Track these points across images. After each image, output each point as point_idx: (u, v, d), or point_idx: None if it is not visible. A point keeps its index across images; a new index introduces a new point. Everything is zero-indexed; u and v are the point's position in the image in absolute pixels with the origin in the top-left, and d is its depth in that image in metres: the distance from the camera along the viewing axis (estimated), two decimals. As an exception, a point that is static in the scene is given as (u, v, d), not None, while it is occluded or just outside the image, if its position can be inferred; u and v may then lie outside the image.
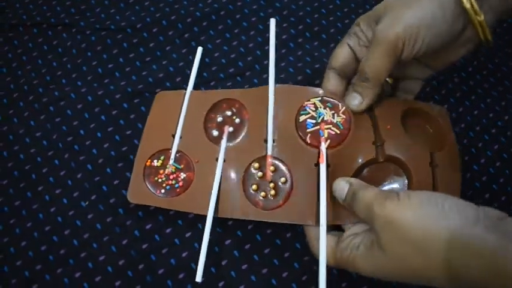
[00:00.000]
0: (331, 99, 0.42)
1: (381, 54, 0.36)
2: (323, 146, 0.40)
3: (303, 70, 0.50)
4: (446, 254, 0.28)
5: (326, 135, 0.41)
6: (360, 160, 0.40)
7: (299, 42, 0.51)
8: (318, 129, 0.41)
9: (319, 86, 0.47)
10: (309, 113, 0.41)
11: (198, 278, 0.37)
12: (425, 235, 0.29)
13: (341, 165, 0.40)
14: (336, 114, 0.41)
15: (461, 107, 0.49)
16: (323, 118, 0.41)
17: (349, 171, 0.40)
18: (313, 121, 0.41)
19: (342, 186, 0.37)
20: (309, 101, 0.42)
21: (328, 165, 0.40)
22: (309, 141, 0.41)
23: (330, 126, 0.41)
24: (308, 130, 0.41)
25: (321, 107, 0.41)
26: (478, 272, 0.27)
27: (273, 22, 0.41)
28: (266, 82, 0.48)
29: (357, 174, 0.40)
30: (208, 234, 0.38)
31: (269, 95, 0.41)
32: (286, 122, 0.41)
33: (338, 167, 0.40)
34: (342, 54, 0.39)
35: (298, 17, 0.53)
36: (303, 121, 0.41)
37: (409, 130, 0.42)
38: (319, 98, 0.42)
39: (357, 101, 0.40)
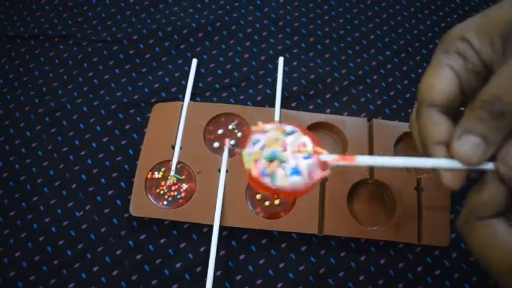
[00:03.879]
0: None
1: None
2: None
3: (298, 80, 0.50)
4: None
5: None
6: (354, 178, 0.43)
7: (294, 53, 0.52)
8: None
9: (313, 96, 0.49)
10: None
11: (209, 286, 0.37)
12: None
13: (338, 180, 0.43)
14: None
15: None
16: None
17: (345, 187, 0.42)
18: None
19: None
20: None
21: (326, 180, 0.43)
22: None
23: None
24: None
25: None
26: None
27: (281, 60, 0.46)
28: (261, 93, 0.49)
29: (352, 190, 0.43)
30: (216, 244, 0.39)
31: (275, 118, 0.45)
32: None
33: (335, 182, 0.43)
34: (445, 83, 0.25)
35: (294, 28, 0.53)
36: None
37: (404, 150, 0.45)
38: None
39: (477, 148, 0.23)
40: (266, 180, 0.23)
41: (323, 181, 0.43)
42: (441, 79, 0.25)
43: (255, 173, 0.23)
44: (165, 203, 0.42)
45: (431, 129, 0.25)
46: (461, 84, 0.25)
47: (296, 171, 0.23)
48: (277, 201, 0.42)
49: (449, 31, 0.26)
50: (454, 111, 0.26)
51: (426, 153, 0.26)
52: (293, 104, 0.48)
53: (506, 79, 0.22)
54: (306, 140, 0.24)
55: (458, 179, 0.24)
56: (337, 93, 0.49)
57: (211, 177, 0.42)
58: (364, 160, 0.24)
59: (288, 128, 0.24)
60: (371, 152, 0.44)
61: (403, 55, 0.53)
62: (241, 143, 0.45)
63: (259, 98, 0.49)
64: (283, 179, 0.23)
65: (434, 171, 0.41)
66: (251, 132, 0.24)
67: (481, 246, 0.23)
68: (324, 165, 0.24)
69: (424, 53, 0.53)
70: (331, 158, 0.24)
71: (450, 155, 0.24)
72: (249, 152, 0.24)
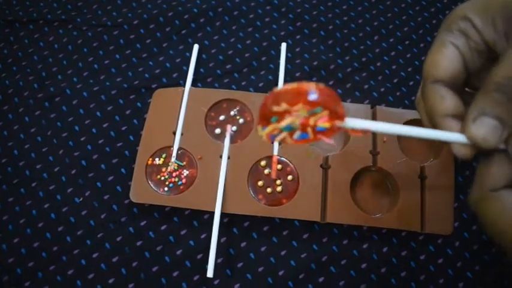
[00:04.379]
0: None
1: None
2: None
3: (301, 67, 0.49)
4: None
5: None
6: (357, 165, 0.42)
7: (297, 39, 0.51)
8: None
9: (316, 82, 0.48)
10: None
11: (210, 273, 0.37)
12: None
13: (340, 168, 0.42)
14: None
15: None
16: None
17: (348, 175, 0.42)
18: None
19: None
20: None
21: (328, 167, 0.42)
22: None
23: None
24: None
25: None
26: None
27: (283, 46, 0.46)
28: (263, 79, 0.48)
29: (355, 178, 0.42)
30: (217, 231, 0.38)
31: None
32: None
33: (338, 169, 0.42)
34: (449, 59, 0.25)
35: (296, 14, 0.53)
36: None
37: (408, 138, 0.44)
38: None
39: (494, 131, 0.23)
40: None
41: (326, 168, 0.42)
42: (445, 56, 0.26)
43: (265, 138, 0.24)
44: (165, 189, 0.41)
45: (438, 102, 0.25)
46: (464, 61, 0.26)
47: (303, 136, 0.24)
48: (279, 188, 0.41)
49: (452, 11, 0.26)
50: (458, 89, 0.26)
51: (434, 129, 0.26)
52: (296, 91, 0.48)
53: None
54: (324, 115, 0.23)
55: (470, 149, 0.24)
56: (341, 79, 0.49)
57: (213, 164, 0.42)
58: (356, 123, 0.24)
59: (313, 99, 0.23)
60: (374, 139, 0.44)
61: (407, 42, 0.52)
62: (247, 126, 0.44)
63: (261, 85, 0.48)
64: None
65: (438, 158, 0.41)
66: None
67: (493, 217, 0.23)
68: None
69: (428, 41, 0.52)
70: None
71: (459, 128, 0.24)
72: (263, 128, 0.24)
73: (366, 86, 0.49)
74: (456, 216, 0.43)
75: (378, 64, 0.50)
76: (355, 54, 0.51)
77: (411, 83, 0.49)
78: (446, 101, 0.25)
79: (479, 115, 0.23)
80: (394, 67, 0.50)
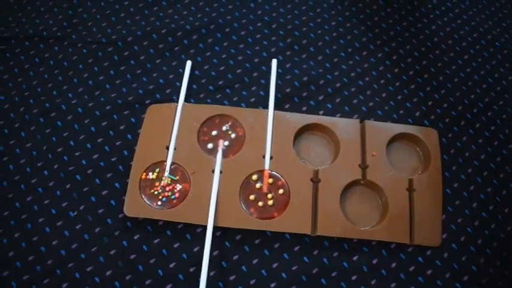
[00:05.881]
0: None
1: None
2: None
3: (292, 82, 0.50)
4: None
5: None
6: (347, 179, 0.43)
7: (287, 55, 0.52)
8: None
9: (306, 98, 0.49)
10: None
11: (202, 287, 0.37)
12: None
13: (330, 181, 0.43)
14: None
15: (451, 132, 0.49)
16: None
17: (337, 188, 0.43)
18: None
19: None
20: None
21: (318, 181, 0.43)
22: None
23: None
24: None
25: None
26: None
27: (274, 62, 0.47)
28: (255, 94, 0.49)
29: (345, 191, 0.44)
30: (210, 245, 0.39)
31: (268, 120, 0.45)
32: (283, 142, 0.45)
33: (328, 183, 0.43)
34: None
35: (287, 30, 0.54)
36: None
37: (397, 152, 0.46)
38: None
39: None
40: None
41: (316, 182, 0.43)
42: None
43: None
44: (159, 203, 0.42)
45: None
46: None
47: None
48: (270, 202, 0.42)
49: None
50: None
51: None
52: (286, 106, 0.49)
53: None
54: None
55: None
56: (330, 94, 0.50)
57: (205, 178, 0.42)
58: None
59: None
60: (364, 153, 0.45)
61: (394, 57, 0.53)
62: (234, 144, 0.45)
63: (252, 100, 0.49)
64: None
65: (426, 171, 0.42)
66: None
67: None
68: None
69: (415, 55, 0.54)
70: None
71: None
72: None
73: (355, 101, 0.50)
74: (444, 228, 0.44)
75: (367, 79, 0.52)
76: (344, 70, 0.52)
77: (399, 97, 0.51)
78: None
79: None
80: (382, 82, 0.51)
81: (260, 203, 0.42)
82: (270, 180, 0.43)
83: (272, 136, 0.45)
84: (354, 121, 0.46)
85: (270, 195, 0.42)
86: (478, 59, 0.54)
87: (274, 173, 0.43)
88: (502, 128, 0.50)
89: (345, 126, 0.46)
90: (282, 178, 0.43)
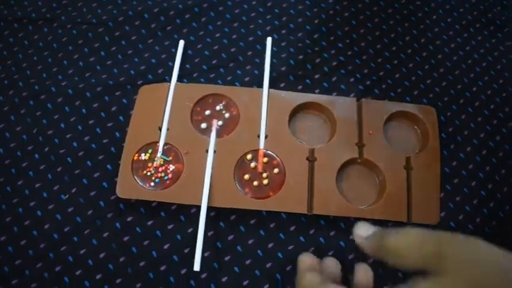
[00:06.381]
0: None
1: None
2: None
3: (287, 61, 0.49)
4: None
5: None
6: (343, 158, 0.43)
7: (282, 33, 0.51)
8: None
9: (302, 77, 0.48)
10: None
11: (197, 266, 0.37)
12: None
13: (327, 160, 0.42)
14: None
15: (449, 111, 0.49)
16: None
17: (334, 167, 0.42)
18: None
19: (367, 226, 0.32)
20: None
21: (314, 159, 0.42)
22: None
23: None
24: None
25: None
26: None
27: (269, 41, 0.46)
28: (249, 73, 0.48)
29: (341, 170, 0.43)
30: (204, 224, 0.38)
31: (263, 98, 0.44)
32: (278, 121, 0.44)
33: (324, 162, 0.42)
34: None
35: (282, 9, 0.53)
36: None
37: (394, 130, 0.45)
38: None
39: None
40: None
41: (312, 161, 0.42)
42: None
43: None
44: (152, 184, 0.41)
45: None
46: None
47: None
48: (265, 181, 0.41)
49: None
50: None
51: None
52: (281, 85, 0.48)
53: None
54: None
55: None
56: (326, 73, 0.49)
57: (199, 158, 0.42)
58: None
59: None
60: (360, 132, 0.44)
61: (392, 35, 0.52)
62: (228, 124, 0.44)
63: (247, 79, 0.48)
64: None
65: (424, 149, 0.41)
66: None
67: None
68: None
69: (414, 33, 0.52)
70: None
71: None
72: None
73: (352, 79, 0.49)
74: (443, 207, 0.43)
75: (364, 57, 0.50)
76: (341, 48, 0.51)
77: (397, 75, 0.50)
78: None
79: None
80: (379, 60, 0.50)
81: (255, 183, 0.41)
82: (265, 160, 0.42)
83: (267, 115, 0.44)
84: (351, 99, 0.45)
85: (265, 175, 0.42)
86: (477, 37, 0.53)
87: (269, 152, 0.43)
88: (502, 107, 0.49)
89: (341, 105, 0.45)
90: (277, 157, 0.42)
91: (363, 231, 0.32)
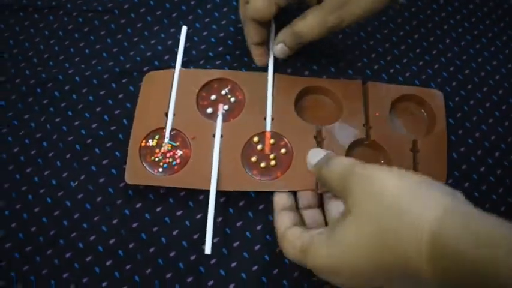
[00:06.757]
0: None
1: None
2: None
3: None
4: (435, 225, 0.25)
5: None
6: (351, 138, 0.42)
7: (289, 18, 0.51)
8: None
9: (309, 62, 0.48)
10: None
11: (208, 250, 0.37)
12: (414, 204, 0.26)
13: (335, 140, 0.42)
14: None
15: (457, 96, 0.48)
16: None
17: (342, 146, 0.42)
18: None
19: (318, 152, 0.37)
20: None
21: (322, 139, 0.42)
22: None
23: None
24: None
25: None
26: (472, 251, 0.23)
27: (273, 27, 0.46)
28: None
29: (348, 151, 0.42)
30: (213, 207, 0.38)
31: (268, 81, 0.44)
32: (284, 103, 0.44)
33: (332, 141, 0.42)
34: (268, 7, 0.40)
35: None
36: None
37: (401, 113, 0.45)
38: None
39: (283, 50, 0.43)
40: None
41: (320, 141, 0.42)
42: (264, 4, 0.39)
43: None
44: (160, 170, 0.41)
45: (254, 35, 0.43)
46: (278, 6, 0.39)
47: None
48: (273, 162, 0.41)
49: None
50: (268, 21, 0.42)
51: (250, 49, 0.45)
52: (288, 70, 0.48)
53: (308, 24, 0.39)
54: None
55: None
56: (333, 58, 0.49)
57: (206, 143, 0.42)
58: None
59: None
60: (367, 114, 0.43)
61: (399, 20, 0.52)
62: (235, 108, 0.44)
63: (254, 66, 0.48)
64: None
65: (431, 133, 0.41)
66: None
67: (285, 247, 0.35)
68: None
69: (420, 18, 0.52)
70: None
71: (265, 51, 0.45)
72: None
73: (359, 64, 0.49)
74: (451, 192, 0.43)
75: (371, 43, 0.50)
76: (348, 33, 0.50)
77: (404, 60, 0.49)
78: (259, 34, 0.42)
79: (278, 42, 0.42)
80: (387, 45, 0.50)
81: (262, 164, 0.41)
82: (272, 141, 0.42)
83: (273, 98, 0.44)
84: (357, 82, 0.45)
85: (272, 156, 0.42)
86: (486, 21, 0.53)
87: (276, 133, 0.42)
88: (511, 92, 0.49)
89: (347, 87, 0.45)
90: (284, 138, 0.42)
91: (312, 158, 0.37)
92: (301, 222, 0.38)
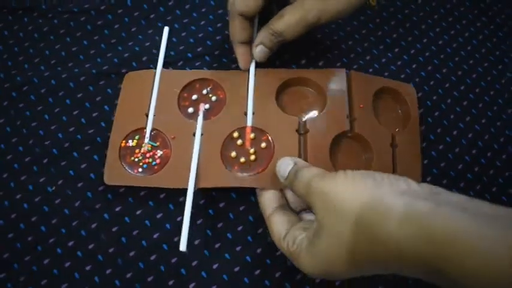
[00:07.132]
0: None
1: None
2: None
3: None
4: (358, 213, 0.28)
5: None
6: (335, 130, 0.42)
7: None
8: None
9: (290, 56, 0.48)
10: None
11: (183, 246, 0.36)
12: (344, 199, 0.29)
13: (318, 132, 0.42)
14: None
15: (435, 95, 0.49)
16: None
17: (326, 139, 0.41)
18: None
19: (286, 164, 0.36)
20: None
21: (306, 131, 0.41)
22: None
23: None
24: None
25: None
26: (388, 235, 0.26)
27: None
28: (236, 61, 0.48)
29: (333, 144, 0.42)
30: (191, 201, 0.38)
31: (250, 73, 0.44)
32: (265, 97, 0.43)
33: (316, 135, 0.41)
34: (254, 2, 0.40)
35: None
36: None
37: (379, 107, 0.45)
38: None
39: (263, 52, 0.43)
40: None
41: (303, 134, 0.42)
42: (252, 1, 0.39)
43: None
44: (140, 170, 0.41)
45: (239, 31, 0.42)
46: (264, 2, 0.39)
47: None
48: (252, 157, 0.41)
49: None
50: (253, 18, 0.42)
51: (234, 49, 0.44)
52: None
53: (287, 22, 0.39)
54: None
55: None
56: (313, 58, 0.49)
57: (186, 142, 0.41)
58: None
59: None
60: (351, 105, 0.43)
61: (377, 20, 0.52)
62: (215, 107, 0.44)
63: (233, 66, 0.48)
64: None
65: (406, 127, 0.41)
66: None
67: (272, 228, 0.36)
68: None
69: (398, 18, 0.53)
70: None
71: (248, 51, 0.43)
72: None
73: (336, 52, 0.49)
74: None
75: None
76: (326, 33, 0.51)
77: (383, 60, 0.50)
78: (244, 31, 0.42)
79: (259, 44, 0.42)
80: (366, 45, 0.51)
81: (242, 159, 0.41)
82: (252, 135, 0.42)
83: (254, 92, 0.43)
84: (340, 71, 0.45)
85: (252, 150, 0.41)
86: (462, 21, 0.54)
87: (257, 127, 0.42)
88: (487, 90, 0.50)
89: (330, 77, 0.44)
90: (265, 132, 0.42)
91: (282, 171, 0.36)
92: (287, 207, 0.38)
